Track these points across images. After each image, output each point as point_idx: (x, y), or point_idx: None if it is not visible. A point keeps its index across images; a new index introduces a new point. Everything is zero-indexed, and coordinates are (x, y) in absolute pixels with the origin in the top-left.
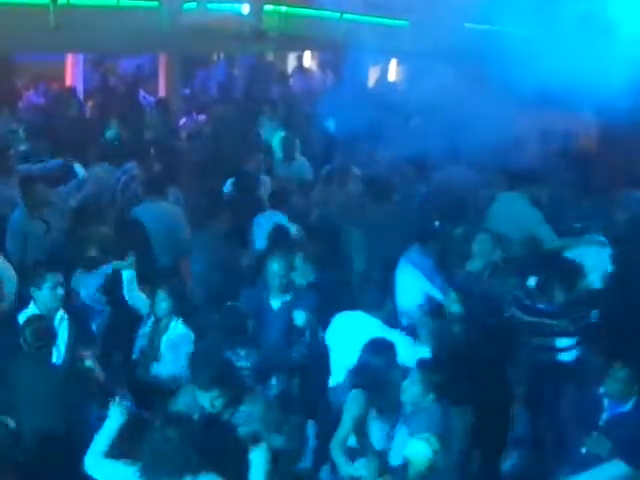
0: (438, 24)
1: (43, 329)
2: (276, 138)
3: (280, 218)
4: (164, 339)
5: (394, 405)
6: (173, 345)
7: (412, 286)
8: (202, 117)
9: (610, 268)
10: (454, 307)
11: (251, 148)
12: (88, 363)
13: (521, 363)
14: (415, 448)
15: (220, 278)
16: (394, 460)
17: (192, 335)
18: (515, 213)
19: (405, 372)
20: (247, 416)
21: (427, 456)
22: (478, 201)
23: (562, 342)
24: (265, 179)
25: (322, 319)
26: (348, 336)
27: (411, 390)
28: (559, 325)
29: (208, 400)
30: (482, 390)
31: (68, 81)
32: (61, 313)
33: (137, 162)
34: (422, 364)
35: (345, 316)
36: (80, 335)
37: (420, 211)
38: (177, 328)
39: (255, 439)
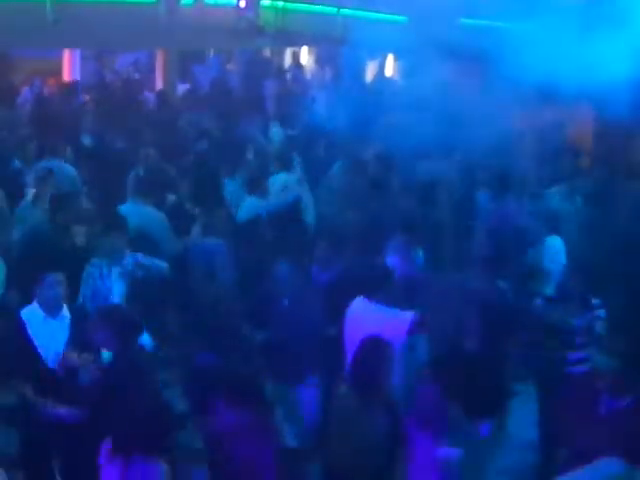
0: (434, 20)
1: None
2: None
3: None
4: None
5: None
6: None
7: None
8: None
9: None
10: None
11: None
12: None
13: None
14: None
15: None
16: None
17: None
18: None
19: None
20: None
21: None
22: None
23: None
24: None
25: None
26: (358, 323)
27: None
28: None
29: None
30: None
31: (65, 76)
32: (63, 312)
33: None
34: (429, 365)
35: (357, 302)
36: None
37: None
38: None
39: None
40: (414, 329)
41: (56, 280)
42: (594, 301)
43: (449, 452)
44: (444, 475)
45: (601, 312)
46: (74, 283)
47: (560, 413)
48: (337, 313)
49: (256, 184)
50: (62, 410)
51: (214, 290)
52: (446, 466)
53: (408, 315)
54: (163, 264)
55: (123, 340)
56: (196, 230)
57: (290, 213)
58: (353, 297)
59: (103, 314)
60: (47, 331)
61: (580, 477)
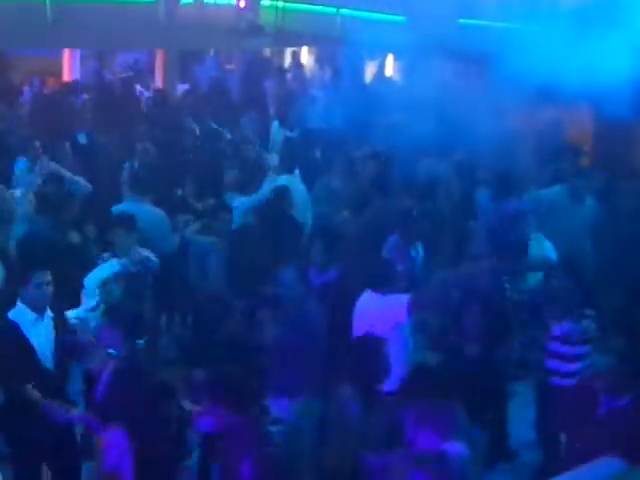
0: (434, 20)
1: None
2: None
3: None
4: None
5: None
6: None
7: None
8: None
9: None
10: None
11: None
12: None
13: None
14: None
15: None
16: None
17: None
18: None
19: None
20: None
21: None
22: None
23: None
24: None
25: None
26: (364, 317)
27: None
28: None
29: None
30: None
31: (65, 76)
32: (48, 313)
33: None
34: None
35: (364, 297)
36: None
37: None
38: None
39: None
40: (411, 310)
41: (44, 280)
42: (587, 311)
43: (454, 447)
44: (447, 471)
45: (593, 319)
46: (72, 282)
47: (560, 413)
48: (344, 312)
49: (248, 184)
50: (76, 414)
51: (207, 289)
52: (451, 462)
53: (405, 298)
54: (155, 261)
55: (130, 340)
56: (194, 227)
57: (273, 203)
58: (359, 294)
59: (112, 314)
60: (38, 332)
61: (580, 477)
